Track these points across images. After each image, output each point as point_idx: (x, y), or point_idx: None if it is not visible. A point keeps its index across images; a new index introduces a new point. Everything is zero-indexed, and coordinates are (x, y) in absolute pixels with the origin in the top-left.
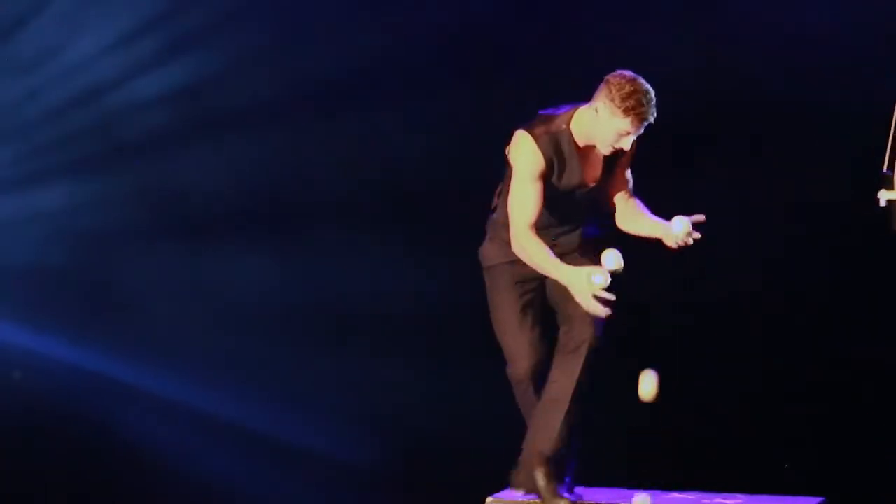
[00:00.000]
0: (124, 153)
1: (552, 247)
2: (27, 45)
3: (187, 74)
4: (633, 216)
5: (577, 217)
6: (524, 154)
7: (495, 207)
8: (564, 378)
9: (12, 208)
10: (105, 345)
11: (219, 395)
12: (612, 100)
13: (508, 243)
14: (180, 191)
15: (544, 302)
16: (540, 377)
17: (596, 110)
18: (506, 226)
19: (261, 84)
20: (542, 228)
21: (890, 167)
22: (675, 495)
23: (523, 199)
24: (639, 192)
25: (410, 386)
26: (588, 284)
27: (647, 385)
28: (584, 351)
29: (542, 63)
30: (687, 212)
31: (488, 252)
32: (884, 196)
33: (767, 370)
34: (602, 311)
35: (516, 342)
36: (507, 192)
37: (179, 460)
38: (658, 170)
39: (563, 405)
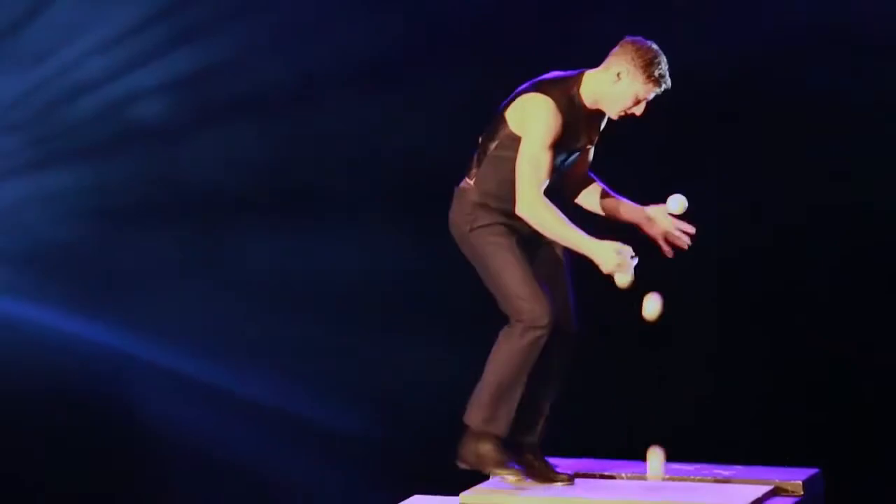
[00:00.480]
0: (135, 137)
1: (521, 229)
2: (37, 37)
3: (196, 61)
4: (596, 191)
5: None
6: (546, 118)
7: (474, 174)
8: (556, 381)
9: (29, 189)
10: (116, 322)
11: (227, 370)
12: (637, 66)
13: (499, 209)
14: (191, 174)
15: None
16: (557, 329)
17: (618, 75)
18: (490, 194)
19: (267, 72)
20: None
21: None
22: (675, 465)
23: (540, 163)
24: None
25: (420, 363)
26: (614, 256)
27: (652, 306)
28: (569, 351)
29: (543, 56)
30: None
31: (475, 213)
32: None
33: (766, 346)
34: (627, 281)
35: (534, 289)
36: (500, 156)
37: (192, 435)
38: (654, 168)
39: (552, 402)
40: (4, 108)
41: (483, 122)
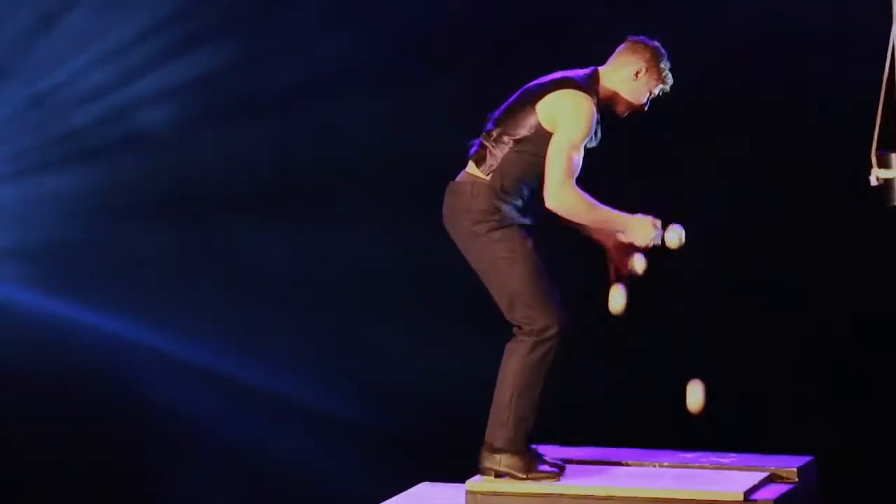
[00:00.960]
0: (141, 140)
1: (532, 228)
2: (49, 46)
3: (198, 65)
4: None
5: None
6: (587, 115)
7: (490, 168)
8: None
9: (41, 188)
10: (120, 312)
11: (230, 363)
12: (653, 65)
13: (513, 206)
14: (193, 174)
15: None
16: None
17: (636, 73)
18: (506, 190)
19: (269, 73)
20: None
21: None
22: (673, 453)
23: (576, 159)
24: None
25: (428, 354)
26: (652, 229)
27: (695, 396)
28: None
29: (540, 53)
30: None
31: (497, 213)
32: (879, 174)
33: (760, 337)
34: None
35: (546, 298)
36: (522, 150)
37: (194, 421)
38: (651, 169)
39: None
40: (19, 112)
41: (483, 121)
